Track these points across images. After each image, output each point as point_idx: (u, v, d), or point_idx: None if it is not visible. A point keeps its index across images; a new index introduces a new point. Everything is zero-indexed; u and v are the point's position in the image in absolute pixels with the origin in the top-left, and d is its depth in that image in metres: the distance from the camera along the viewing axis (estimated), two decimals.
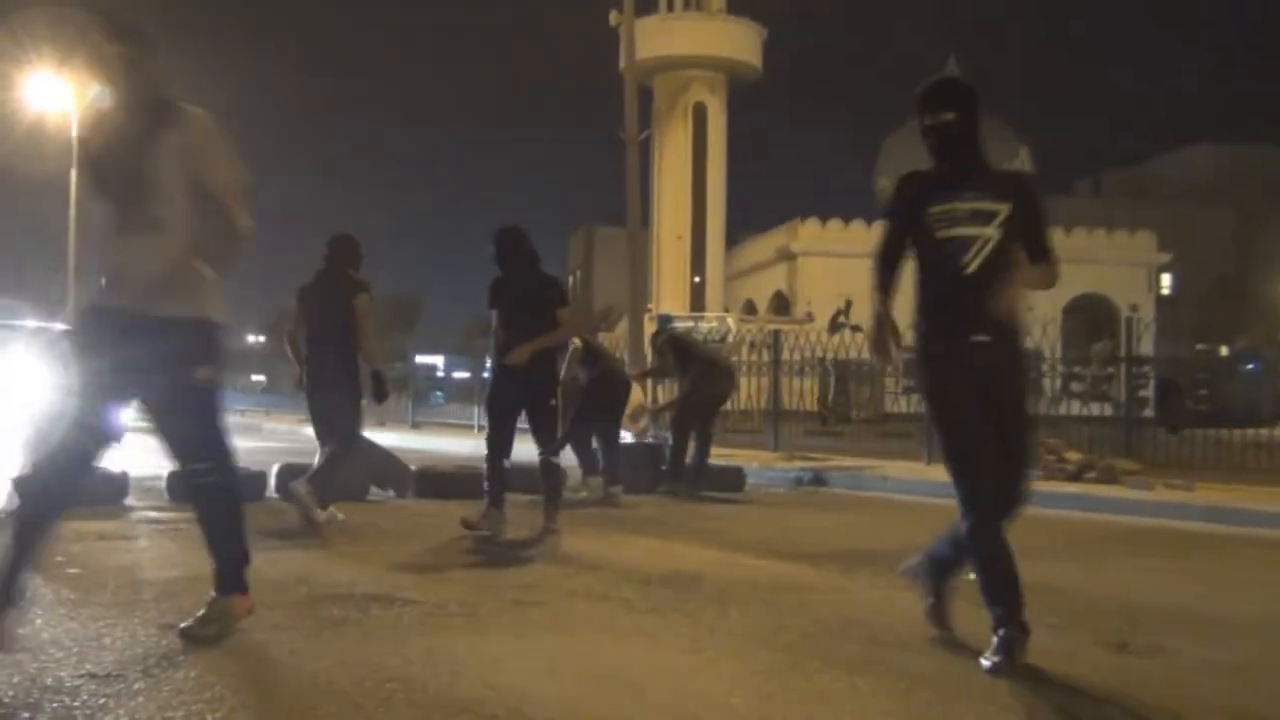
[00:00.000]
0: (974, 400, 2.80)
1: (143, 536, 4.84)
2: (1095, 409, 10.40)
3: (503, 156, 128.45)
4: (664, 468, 7.52)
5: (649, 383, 9.97)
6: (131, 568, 3.93)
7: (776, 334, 12.04)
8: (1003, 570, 2.75)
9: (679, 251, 30.91)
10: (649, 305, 25.11)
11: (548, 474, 5.22)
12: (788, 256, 31.56)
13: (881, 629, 3.16)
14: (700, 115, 30.73)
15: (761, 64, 31.59)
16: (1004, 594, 2.74)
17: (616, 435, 7.19)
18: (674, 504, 6.86)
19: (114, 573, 3.73)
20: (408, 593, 3.51)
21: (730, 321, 23.31)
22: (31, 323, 12.41)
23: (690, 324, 21.92)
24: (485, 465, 5.09)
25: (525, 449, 5.30)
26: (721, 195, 31.46)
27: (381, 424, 13.23)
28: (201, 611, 2.80)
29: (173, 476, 6.01)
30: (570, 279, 47.45)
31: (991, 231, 2.79)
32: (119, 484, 5.81)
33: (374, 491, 6.60)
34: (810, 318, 25.12)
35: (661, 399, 9.72)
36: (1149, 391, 11.28)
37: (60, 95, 19.88)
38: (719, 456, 8.35)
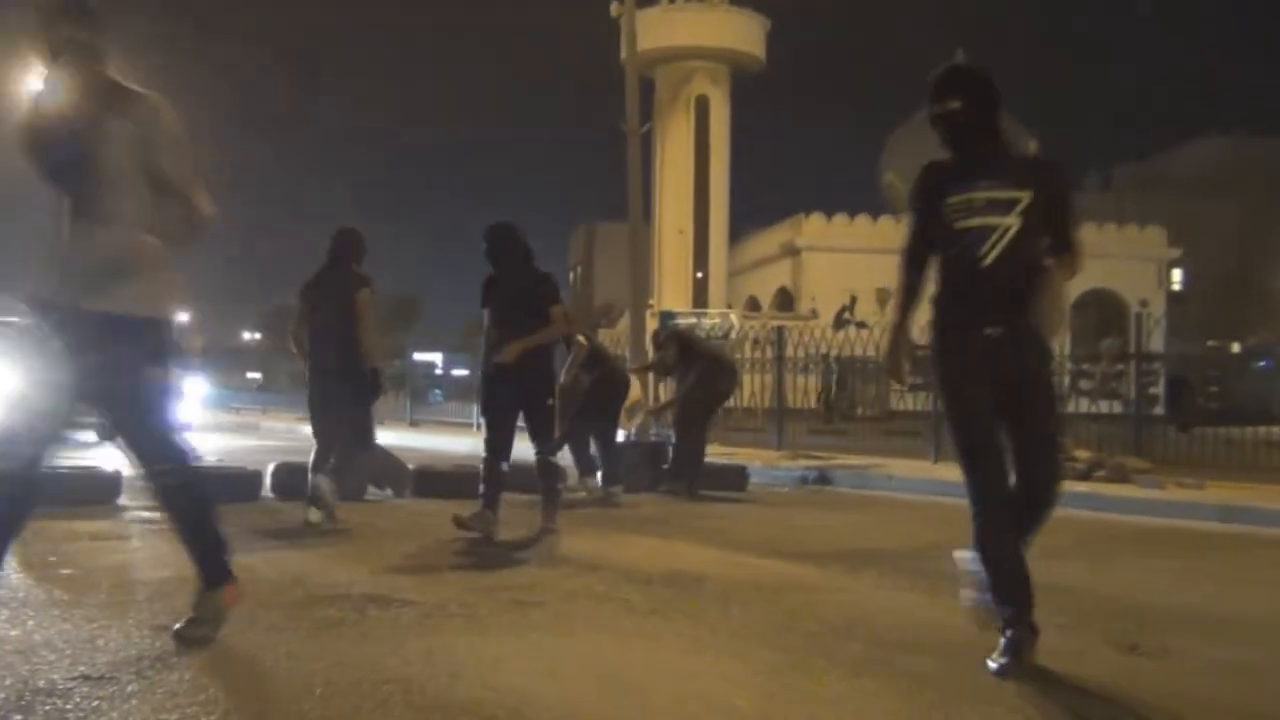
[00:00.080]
0: (986, 395, 2.72)
1: (135, 536, 4.80)
2: (1105, 406, 10.33)
3: (503, 153, 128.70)
4: (665, 466, 7.48)
5: (650, 379, 9.92)
6: (125, 568, 3.90)
7: (780, 330, 11.97)
8: (1009, 570, 2.71)
9: (681, 247, 30.87)
10: (650, 301, 25.07)
11: (545, 473, 5.17)
12: (792, 252, 31.45)
13: (886, 629, 3.13)
14: (703, 108, 30.68)
15: (765, 55, 31.51)
16: (1011, 594, 2.70)
17: (614, 435, 7.18)
18: (675, 503, 6.83)
19: (107, 573, 3.70)
20: (406, 593, 3.48)
21: (733, 318, 23.26)
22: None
23: (693, 320, 21.89)
24: (482, 467, 5.03)
25: (524, 448, 5.26)
26: (724, 189, 31.41)
27: (379, 422, 13.20)
28: (192, 612, 2.75)
29: None
30: (571, 275, 47.48)
31: (1011, 220, 2.69)
32: (112, 483, 5.78)
33: (371, 491, 6.58)
34: (815, 314, 25.10)
35: (663, 397, 9.69)
36: (1159, 389, 11.20)
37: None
38: (721, 455, 8.33)
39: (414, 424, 15.80)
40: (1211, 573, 4.54)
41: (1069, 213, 2.80)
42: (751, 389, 12.23)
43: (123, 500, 5.81)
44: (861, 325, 14.21)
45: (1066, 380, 11.31)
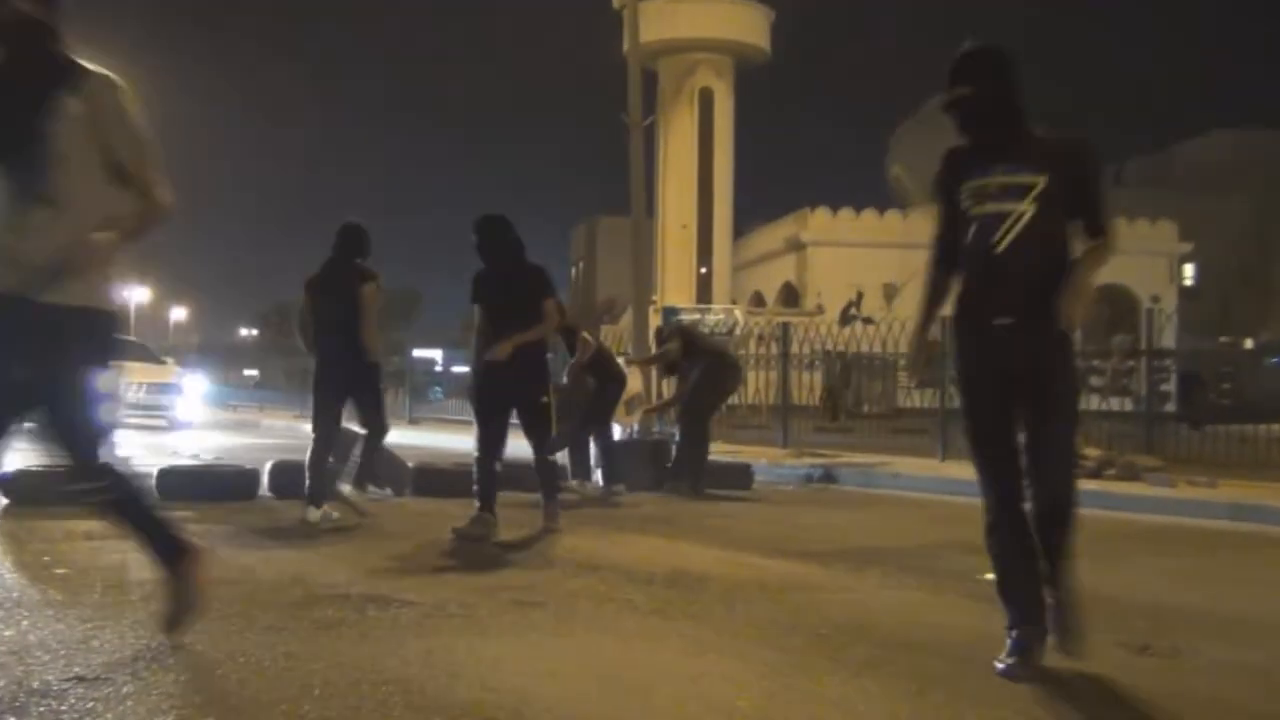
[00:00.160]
0: (995, 388, 2.65)
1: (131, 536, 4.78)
2: (1115, 403, 10.24)
3: (503, 146, 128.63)
4: (668, 465, 7.45)
5: (653, 375, 9.88)
6: (120, 568, 3.85)
7: (785, 326, 11.92)
8: (1015, 568, 2.66)
9: (684, 241, 30.78)
10: (654, 297, 24.99)
11: (545, 472, 5.12)
12: (797, 247, 31.28)
13: (892, 629, 3.10)
14: (706, 100, 30.56)
15: (770, 47, 31.36)
16: (1018, 593, 2.66)
17: (611, 433, 7.17)
18: (678, 502, 6.79)
19: (102, 573, 3.67)
20: (405, 593, 3.45)
21: (737, 314, 23.19)
22: None
23: (696, 316, 21.81)
24: (474, 467, 4.89)
25: (523, 445, 5.22)
26: (728, 183, 31.32)
27: None
28: (166, 602, 2.64)
29: (162, 475, 5.98)
30: (573, 271, 47.46)
31: (1025, 207, 2.59)
32: None
33: (370, 489, 6.55)
34: (821, 310, 25.00)
35: (665, 395, 9.65)
36: (1171, 385, 11.10)
37: None
38: (725, 453, 8.29)
39: (414, 421, 15.77)
40: (1224, 572, 4.50)
41: (1097, 194, 2.66)
42: (756, 386, 12.19)
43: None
44: (868, 321, 14.14)
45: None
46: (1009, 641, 2.63)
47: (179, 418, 14.40)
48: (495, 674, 2.53)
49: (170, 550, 2.65)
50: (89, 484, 2.53)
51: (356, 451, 5.50)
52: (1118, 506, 6.59)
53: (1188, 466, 7.98)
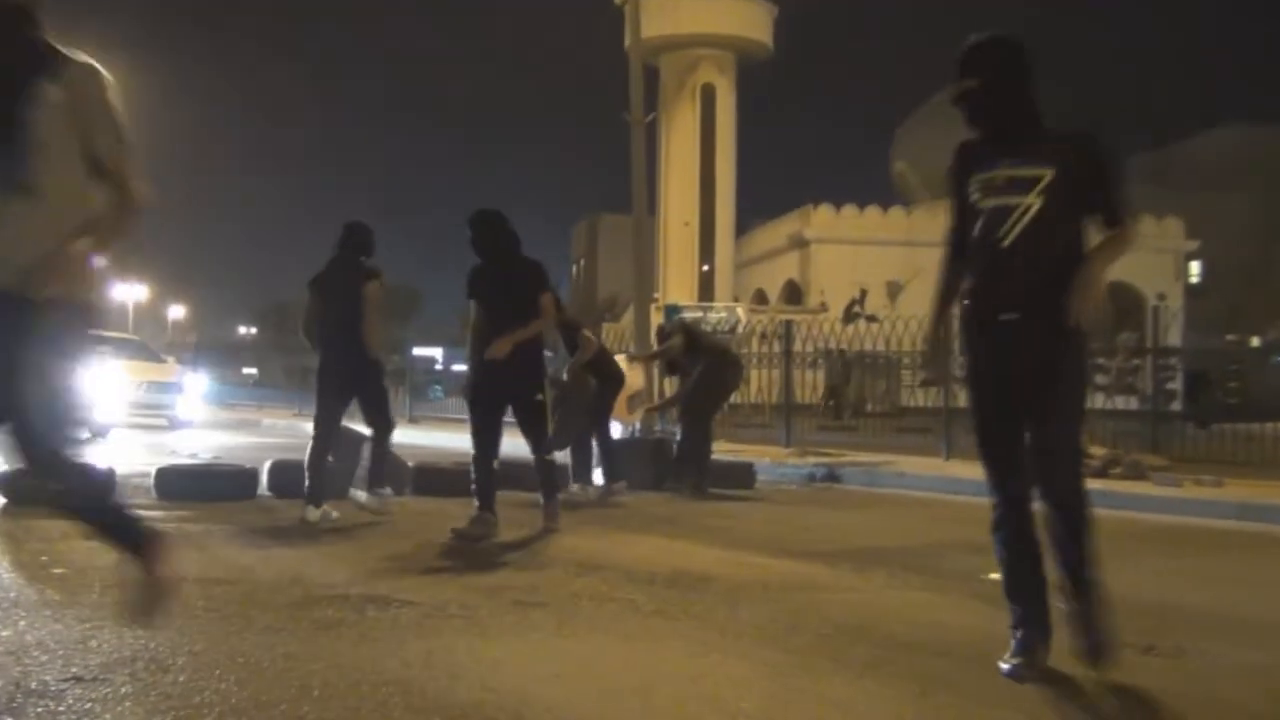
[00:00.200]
0: (999, 384, 2.62)
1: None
2: (1121, 402, 10.21)
3: (504, 143, 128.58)
4: (670, 463, 7.43)
5: (654, 373, 9.86)
6: (118, 567, 3.84)
7: (788, 324, 11.89)
8: (1019, 567, 2.64)
9: (686, 239, 30.73)
10: (655, 295, 24.97)
11: (544, 472, 5.10)
12: (800, 244, 31.22)
13: (896, 630, 3.09)
14: (709, 97, 30.49)
15: (772, 43, 31.27)
16: (1023, 593, 2.64)
17: (609, 432, 7.16)
18: (681, 501, 6.78)
19: (100, 573, 3.63)
20: (405, 593, 3.44)
21: (740, 311, 23.14)
22: None
23: (698, 314, 21.77)
24: (472, 466, 4.85)
25: (523, 445, 5.19)
26: (731, 180, 31.26)
27: None
28: (133, 597, 2.50)
29: (160, 474, 5.97)
30: (574, 268, 47.46)
31: (1031, 199, 2.54)
32: (105, 482, 5.73)
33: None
34: (824, 307, 24.99)
35: (667, 393, 9.63)
36: (1177, 384, 11.05)
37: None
38: (728, 452, 8.27)
39: (414, 420, 15.75)
40: (1230, 572, 4.48)
41: (1112, 185, 2.61)
42: (759, 384, 12.18)
43: (118, 499, 5.78)
44: (872, 319, 14.12)
45: None
46: (1013, 642, 2.61)
47: (180, 416, 14.40)
48: (496, 675, 2.52)
49: (134, 548, 2.57)
50: (48, 480, 2.46)
51: (366, 455, 5.50)
52: (1123, 506, 6.55)
53: (1194, 465, 7.96)
